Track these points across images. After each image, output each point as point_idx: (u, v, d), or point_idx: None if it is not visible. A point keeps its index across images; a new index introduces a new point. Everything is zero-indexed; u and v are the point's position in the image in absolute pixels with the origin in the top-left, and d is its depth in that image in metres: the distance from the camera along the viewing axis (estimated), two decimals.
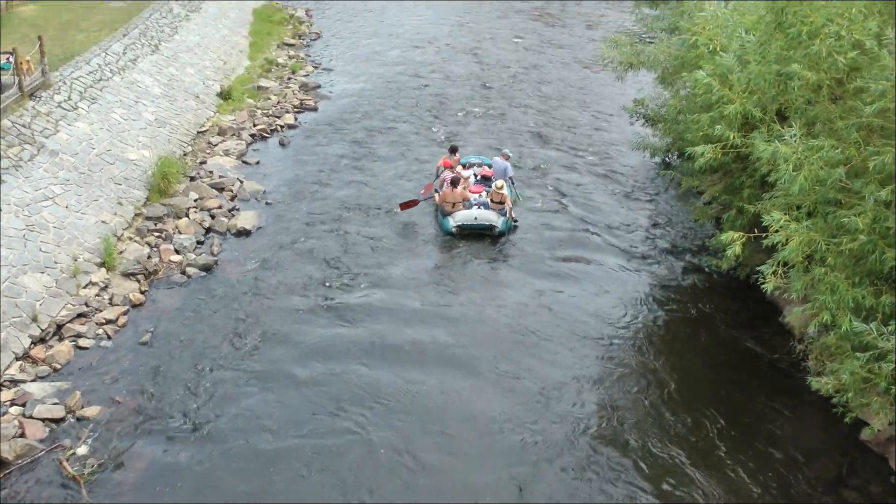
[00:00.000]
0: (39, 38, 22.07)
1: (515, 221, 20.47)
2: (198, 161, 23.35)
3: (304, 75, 33.56)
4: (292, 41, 38.90)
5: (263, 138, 26.19)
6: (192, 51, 31.05)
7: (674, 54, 18.14)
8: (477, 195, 20.46)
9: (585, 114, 30.19)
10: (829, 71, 11.67)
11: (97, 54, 25.14)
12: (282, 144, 25.83)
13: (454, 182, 20.18)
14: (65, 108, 20.88)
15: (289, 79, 32.60)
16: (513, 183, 21.59)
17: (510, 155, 22.21)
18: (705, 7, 14.61)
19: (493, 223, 19.74)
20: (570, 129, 28.35)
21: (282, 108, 28.72)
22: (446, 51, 39.88)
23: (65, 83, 22.05)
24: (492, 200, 20.06)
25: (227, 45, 34.65)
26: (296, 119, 28.10)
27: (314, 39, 40.53)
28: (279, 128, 27.08)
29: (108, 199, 18.96)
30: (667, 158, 22.78)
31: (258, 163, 24.14)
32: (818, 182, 11.04)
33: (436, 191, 20.94)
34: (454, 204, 19.90)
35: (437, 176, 21.84)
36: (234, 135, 25.55)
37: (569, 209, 21.61)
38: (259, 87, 30.57)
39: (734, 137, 12.57)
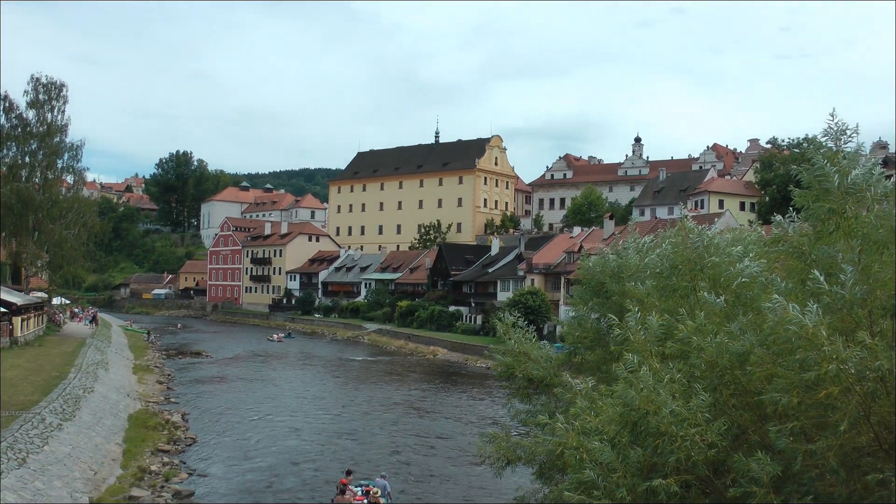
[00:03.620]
0: None
1: None
2: None
3: (179, 482, 32.62)
4: (167, 447, 38.21)
5: None
6: (61, 462, 30.07)
7: (548, 451, 18.45)
8: (362, 501, 29.40)
9: None
10: (695, 474, 12.09)
11: None
12: None
13: (343, 491, 29.03)
14: None
15: (162, 487, 31.55)
16: (390, 497, 30.64)
17: (386, 475, 32.20)
18: (577, 404, 15.16)
19: None
20: None
21: None
22: (323, 439, 42.00)
23: None
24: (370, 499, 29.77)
25: (100, 454, 33.77)
26: None
27: (189, 445, 40.02)
28: None
29: None
30: None
31: None
32: None
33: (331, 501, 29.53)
34: None
35: (338, 490, 29.43)
36: None
37: None
38: (130, 497, 29.40)
39: None
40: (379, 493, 30.04)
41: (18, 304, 62.08)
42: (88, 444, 34.18)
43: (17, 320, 61.20)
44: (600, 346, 21.07)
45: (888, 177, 12.94)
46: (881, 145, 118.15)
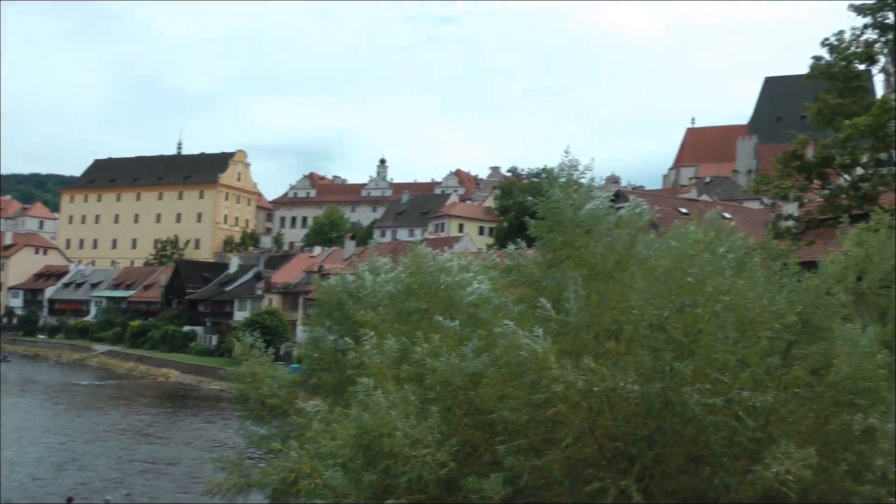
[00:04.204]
0: None
1: None
2: None
3: None
4: None
5: None
6: None
7: (281, 478, 18.09)
8: None
9: None
10: (427, 493, 12.30)
11: None
12: None
13: None
14: None
15: None
16: None
17: (111, 500, 32.97)
18: (312, 426, 14.94)
19: None
20: None
21: None
22: (43, 471, 40.40)
23: None
24: None
25: None
26: None
27: None
28: None
29: None
30: None
31: None
32: None
33: None
34: None
35: None
36: None
37: None
38: None
39: None
40: None
41: None
42: None
43: None
44: (337, 368, 20.98)
45: (618, 209, 13.78)
46: (613, 179, 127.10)
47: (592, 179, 14.99)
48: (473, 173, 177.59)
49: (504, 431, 12.95)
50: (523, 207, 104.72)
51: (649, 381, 11.30)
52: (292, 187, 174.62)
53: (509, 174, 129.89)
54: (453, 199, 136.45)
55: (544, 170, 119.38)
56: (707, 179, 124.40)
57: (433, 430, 12.17)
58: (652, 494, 11.43)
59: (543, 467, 11.49)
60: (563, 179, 13.93)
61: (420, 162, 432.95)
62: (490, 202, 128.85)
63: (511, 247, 17.34)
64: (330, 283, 22.01)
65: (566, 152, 14.30)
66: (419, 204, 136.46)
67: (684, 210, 50.83)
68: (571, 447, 11.45)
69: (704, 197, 78.37)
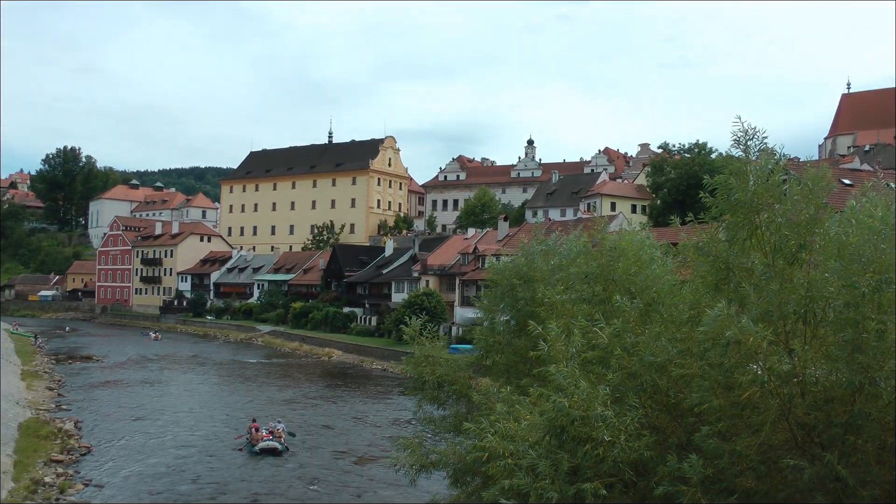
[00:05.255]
0: None
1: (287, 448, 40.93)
2: None
3: (74, 494, 31.66)
4: (61, 457, 37.01)
5: None
6: None
7: (462, 456, 18.54)
8: (268, 437, 40.80)
9: None
10: (618, 475, 12.39)
11: None
12: None
13: (257, 429, 41.33)
14: None
15: (57, 499, 30.59)
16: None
17: (281, 420, 44.68)
18: (496, 409, 15.28)
19: (277, 447, 40.43)
20: None
21: None
22: (220, 438, 43.24)
23: None
24: (274, 437, 41.03)
25: None
26: None
27: (84, 454, 38.83)
28: None
29: None
30: None
31: None
32: None
33: (248, 438, 41.43)
34: (258, 440, 40.50)
35: (248, 433, 41.68)
36: None
37: None
38: None
39: None
40: (281, 429, 42.27)
41: None
42: None
43: None
44: (511, 350, 21.28)
45: (784, 181, 13.24)
46: (768, 152, 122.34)
47: (771, 151, 14.00)
48: (622, 151, 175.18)
49: (691, 414, 12.96)
50: (677, 183, 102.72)
51: (843, 364, 11.04)
52: (442, 170, 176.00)
53: (660, 150, 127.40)
54: (603, 177, 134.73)
55: (696, 144, 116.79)
56: (867, 147, 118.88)
57: (633, 419, 12.28)
58: (847, 484, 11.19)
59: (741, 452, 11.44)
60: (738, 152, 13.48)
61: (567, 141, 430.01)
62: (641, 179, 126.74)
63: (676, 223, 17.22)
64: (502, 265, 22.33)
65: (737, 118, 13.33)
66: (569, 183, 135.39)
67: (847, 181, 48.71)
68: (763, 433, 11.35)
69: (865, 166, 74.60)
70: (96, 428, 45.52)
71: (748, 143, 13.30)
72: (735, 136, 13.12)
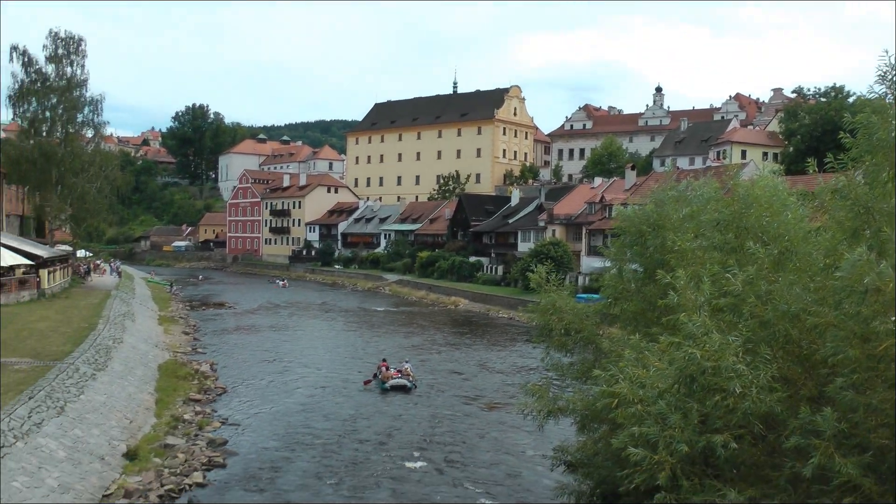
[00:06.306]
0: None
1: (415, 386, 43.32)
2: None
3: (212, 431, 32.97)
4: (198, 396, 38.61)
5: (172, 499, 25.09)
6: (98, 410, 30.47)
7: (590, 403, 18.57)
8: (397, 376, 43.21)
9: (502, 463, 30.24)
10: (748, 427, 12.19)
11: (0, 419, 24.45)
12: None
13: (387, 367, 44.33)
14: None
15: (196, 435, 31.93)
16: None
17: (409, 360, 47.82)
18: (624, 355, 15.22)
19: (406, 384, 42.76)
20: (488, 480, 28.20)
21: (190, 467, 27.84)
22: (351, 388, 43.44)
23: None
24: (403, 375, 43.42)
25: (134, 403, 34.20)
26: (204, 477, 27.18)
27: (220, 394, 40.37)
28: (188, 487, 26.08)
29: None
30: (592, 502, 22.60)
31: None
32: None
33: (376, 375, 44.19)
34: (388, 378, 42.91)
35: (378, 371, 44.48)
36: (140, 497, 24.43)
37: None
38: (166, 446, 29.81)
39: (670, 498, 12.60)
40: (409, 368, 44.89)
41: (44, 256, 62.58)
42: (122, 393, 34.61)
43: (43, 273, 61.71)
44: (640, 298, 21.07)
45: None
46: None
47: None
48: (754, 96, 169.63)
49: (823, 366, 12.61)
50: (812, 129, 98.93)
51: None
52: (568, 119, 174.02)
53: (794, 95, 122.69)
54: (734, 124, 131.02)
55: (833, 88, 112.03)
56: None
57: (766, 372, 12.04)
58: None
59: (877, 406, 11.08)
60: (882, 89, 12.87)
61: (697, 88, 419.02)
62: (773, 126, 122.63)
63: (812, 166, 16.63)
64: (631, 213, 22.03)
65: (885, 52, 12.53)
66: (698, 131, 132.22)
67: None
68: None
69: None
70: (230, 370, 47.25)
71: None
72: (880, 72, 12.53)
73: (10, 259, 56.14)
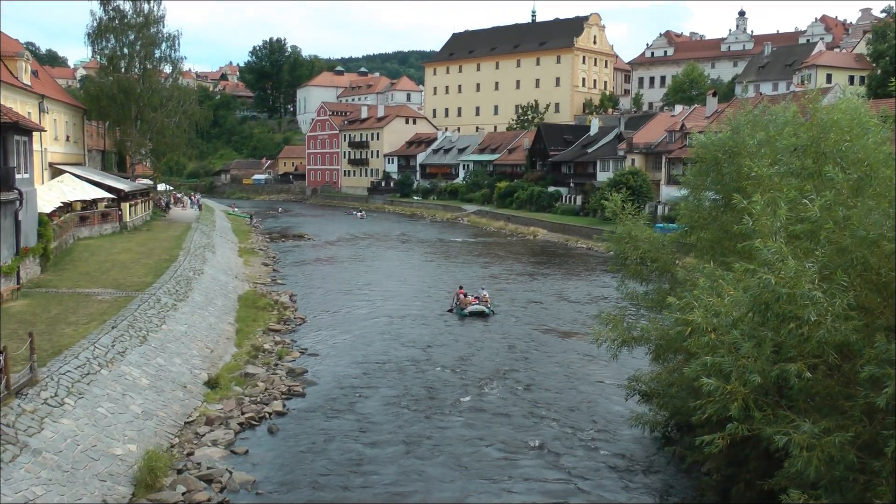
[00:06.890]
0: (30, 334, 22.05)
1: (493, 312, 44.28)
2: (185, 453, 22.68)
3: (291, 361, 33.53)
4: (278, 327, 39.26)
5: (252, 426, 25.65)
6: (179, 340, 31.19)
7: (665, 332, 18.33)
8: (475, 302, 44.28)
9: (576, 391, 30.17)
10: (822, 357, 11.89)
11: (86, 347, 25.14)
12: (271, 432, 25.29)
13: (465, 295, 44.99)
14: (50, 405, 20.50)
15: (276, 365, 32.50)
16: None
17: (484, 287, 48.49)
18: (699, 283, 14.89)
19: (484, 310, 43.75)
20: (562, 407, 28.16)
21: (269, 395, 28.40)
22: (430, 316, 44.12)
23: (52, 379, 21.81)
24: (481, 301, 44.48)
25: (214, 333, 34.91)
26: (284, 406, 27.69)
27: (300, 324, 41.00)
28: (268, 415, 26.62)
29: (92, 497, 18.23)
30: (667, 432, 22.51)
31: (247, 452, 23.47)
32: (832, 462, 10.94)
33: (456, 303, 44.79)
34: (466, 304, 44.06)
35: (456, 298, 45.14)
36: (222, 424, 25.06)
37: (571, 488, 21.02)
38: (246, 374, 30.43)
39: (742, 429, 12.39)
40: (486, 295, 45.62)
41: (126, 190, 63.88)
42: (203, 323, 35.33)
43: (125, 206, 63.07)
44: (716, 226, 20.61)
45: None
46: None
47: None
48: (841, 18, 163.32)
49: None
50: None
51: None
52: (648, 47, 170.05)
53: (883, 14, 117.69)
54: (820, 47, 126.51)
55: None
56: None
57: (842, 299, 11.66)
58: None
59: None
60: None
61: (781, 11, 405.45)
62: (861, 48, 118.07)
63: None
64: (708, 140, 21.43)
65: None
66: (783, 55, 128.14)
67: None
68: None
69: None
70: (309, 301, 47.87)
71: None
72: None
73: (92, 193, 57.43)
